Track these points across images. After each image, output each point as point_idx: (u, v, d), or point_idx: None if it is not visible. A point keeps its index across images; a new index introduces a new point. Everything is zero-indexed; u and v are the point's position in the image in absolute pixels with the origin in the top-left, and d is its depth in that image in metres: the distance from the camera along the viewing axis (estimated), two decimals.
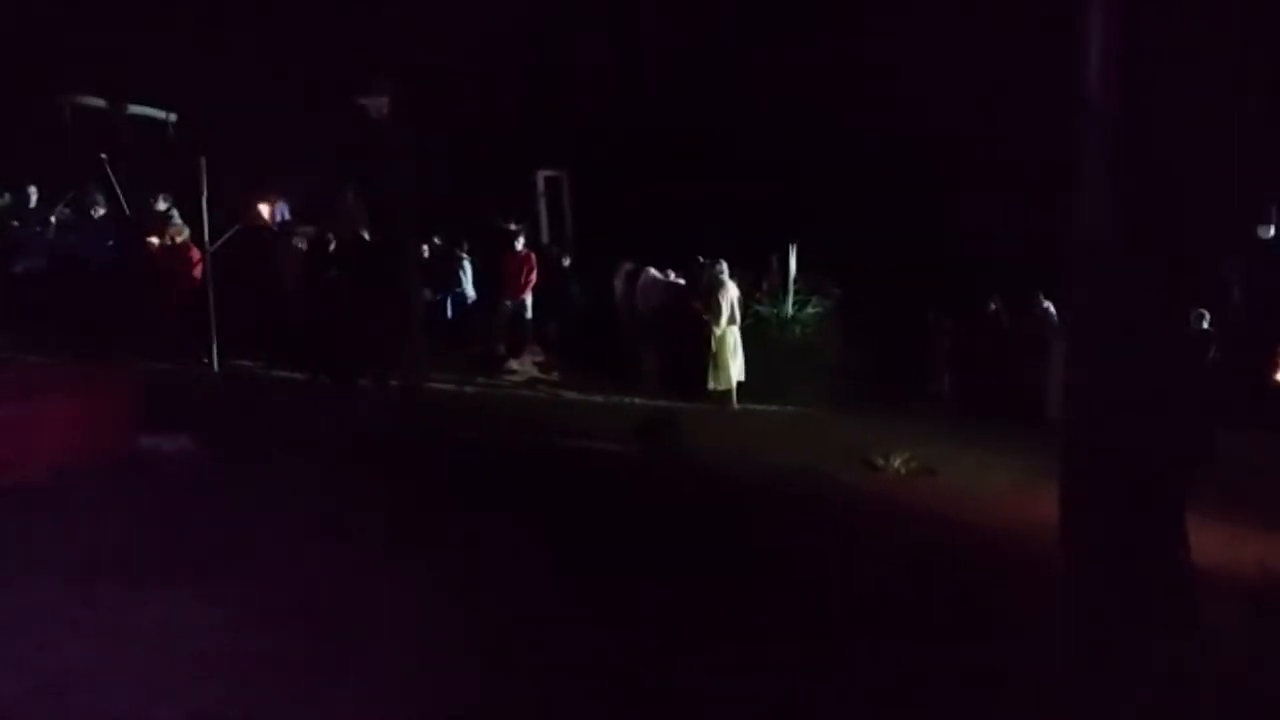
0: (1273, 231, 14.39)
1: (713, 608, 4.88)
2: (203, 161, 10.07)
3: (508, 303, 12.85)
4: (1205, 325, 12.86)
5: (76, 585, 4.57)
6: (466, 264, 12.87)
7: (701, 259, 12.27)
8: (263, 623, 4.36)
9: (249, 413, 8.25)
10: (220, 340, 10.28)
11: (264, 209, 10.83)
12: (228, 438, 7.04)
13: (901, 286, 14.03)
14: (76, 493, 5.71)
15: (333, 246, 10.54)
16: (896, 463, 8.65)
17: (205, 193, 10.30)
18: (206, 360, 10.43)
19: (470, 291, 12.96)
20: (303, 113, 12.08)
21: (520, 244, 12.98)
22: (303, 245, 11.33)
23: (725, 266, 11.70)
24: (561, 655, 4.31)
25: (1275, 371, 12.71)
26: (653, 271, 12.48)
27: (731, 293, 11.63)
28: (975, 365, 13.23)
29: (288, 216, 11.81)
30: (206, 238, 10.27)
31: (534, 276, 12.91)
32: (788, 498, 7.27)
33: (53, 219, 11.29)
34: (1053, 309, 13.31)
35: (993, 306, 13.82)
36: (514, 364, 12.41)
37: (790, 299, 13.01)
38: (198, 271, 10.43)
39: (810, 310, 13.09)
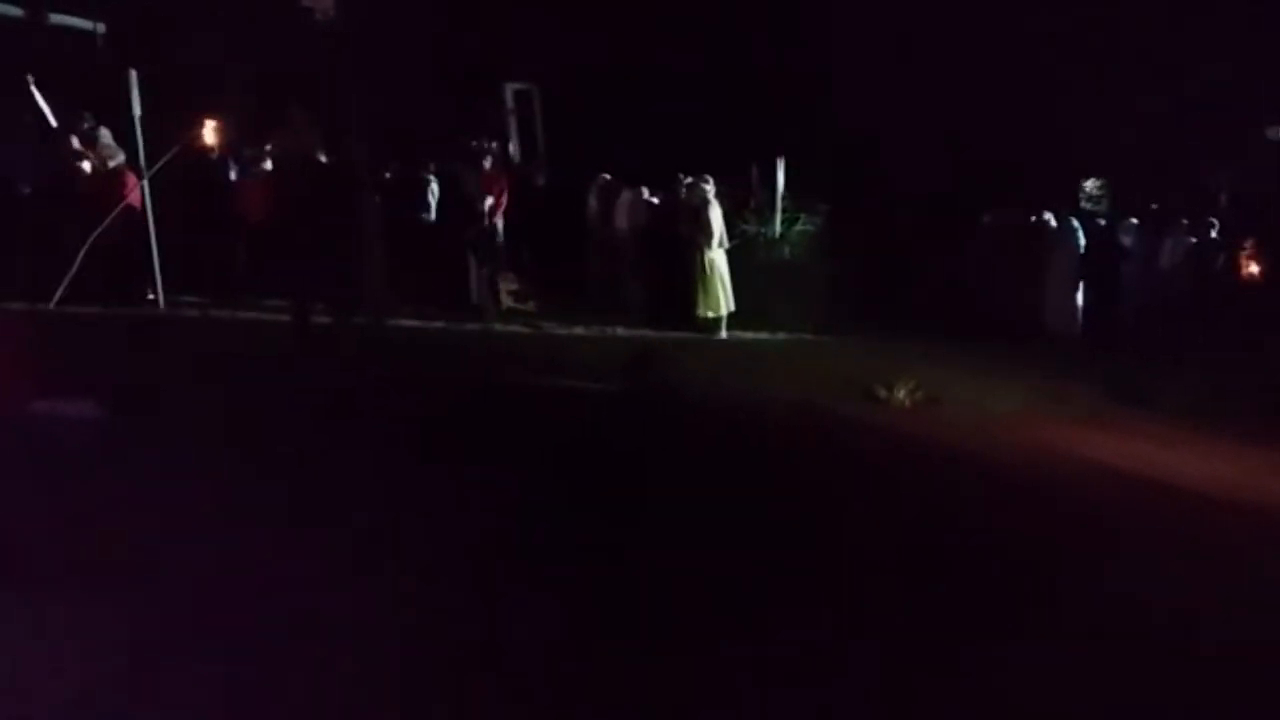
0: None
1: (719, 567, 4.28)
2: (132, 75, 9.10)
3: (478, 226, 12.03)
4: (1214, 234, 12.39)
5: None
6: (434, 186, 11.98)
7: (684, 176, 11.43)
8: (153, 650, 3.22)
9: (182, 363, 7.31)
10: (164, 277, 9.50)
11: (209, 130, 9.86)
12: (147, 398, 5.97)
13: (891, 201, 13.40)
14: None
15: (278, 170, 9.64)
16: (900, 393, 8.06)
17: (139, 112, 9.37)
18: (152, 298, 9.65)
19: (434, 216, 12.11)
20: (243, 20, 10.98)
21: (489, 163, 12.09)
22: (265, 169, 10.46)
23: (712, 184, 10.88)
24: (549, 620, 3.71)
25: (1241, 268, 12.32)
26: (630, 190, 11.66)
27: (719, 213, 10.86)
28: (969, 282, 12.64)
29: (234, 139, 10.82)
30: (143, 162, 9.35)
31: (505, 198, 12.08)
32: (792, 437, 6.66)
33: None
34: (1052, 220, 12.68)
35: (987, 219, 13.16)
36: (487, 292, 11.64)
37: (778, 217, 12.27)
38: (135, 199, 9.54)
39: (799, 229, 12.38)
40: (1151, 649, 3.74)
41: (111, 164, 9.82)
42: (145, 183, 9.41)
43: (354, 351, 7.99)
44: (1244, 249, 12.57)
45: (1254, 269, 12.47)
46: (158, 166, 9.36)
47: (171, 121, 9.91)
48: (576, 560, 4.26)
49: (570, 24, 14.97)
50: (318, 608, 3.62)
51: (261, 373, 6.98)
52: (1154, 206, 13.63)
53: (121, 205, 9.45)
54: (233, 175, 10.93)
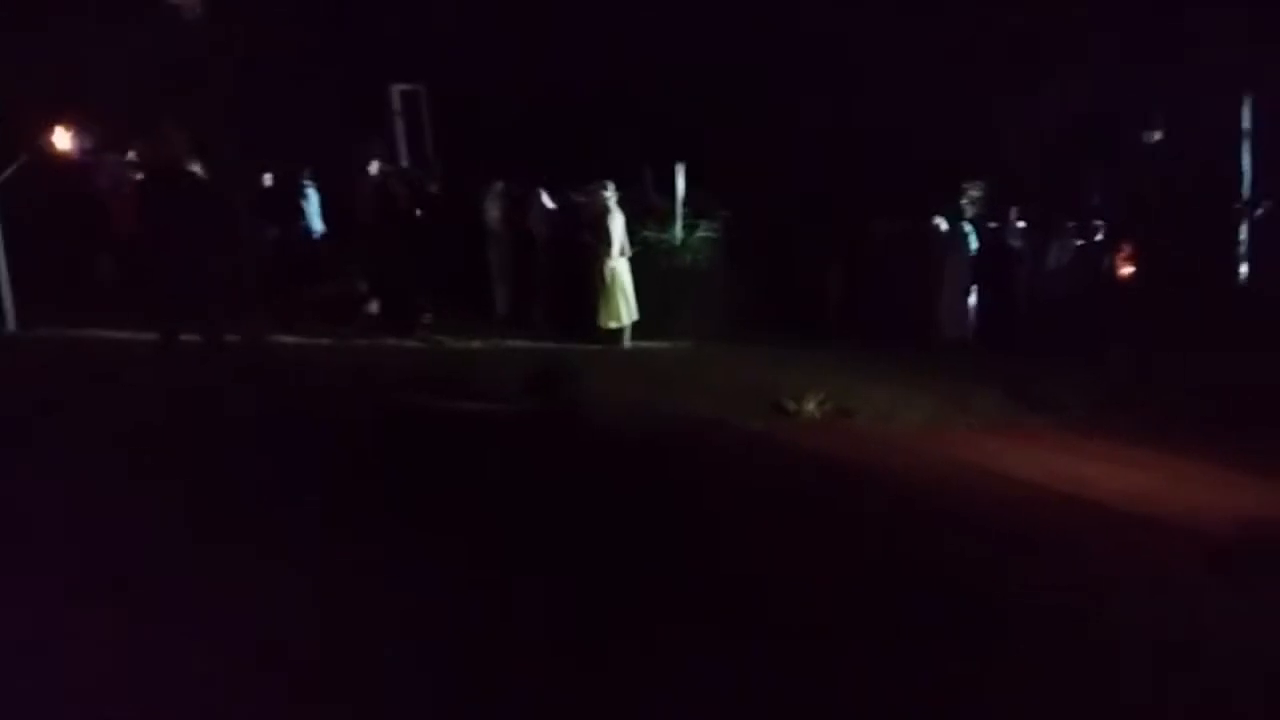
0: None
1: (627, 607, 3.96)
2: None
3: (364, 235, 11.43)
4: (1099, 237, 12.76)
5: None
6: (311, 194, 11.33)
7: (587, 182, 11.10)
8: None
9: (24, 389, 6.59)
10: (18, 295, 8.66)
11: (61, 135, 9.03)
12: None
13: (791, 208, 13.38)
14: None
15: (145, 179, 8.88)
16: (810, 405, 7.91)
17: None
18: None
19: (317, 225, 11.46)
20: (106, 16, 10.11)
21: (375, 168, 11.50)
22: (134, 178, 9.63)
23: (613, 190, 10.57)
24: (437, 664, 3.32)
25: (1119, 270, 12.78)
26: (530, 196, 11.26)
27: (620, 220, 10.56)
28: (866, 288, 12.70)
29: (91, 145, 9.97)
30: None
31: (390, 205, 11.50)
32: (703, 459, 6.39)
33: None
34: (944, 225, 12.85)
35: (879, 225, 13.24)
36: (375, 306, 11.06)
37: (678, 224, 12.06)
38: None
39: (699, 236, 12.20)
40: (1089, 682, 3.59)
41: None
42: None
43: (226, 376, 7.33)
44: (1122, 251, 13.01)
45: (1130, 270, 12.90)
46: (4, 176, 8.51)
47: (28, 126, 9.07)
48: (467, 604, 3.88)
49: (459, 23, 14.46)
50: None
51: (117, 400, 6.31)
52: (1041, 210, 13.96)
53: None
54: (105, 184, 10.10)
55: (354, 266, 11.38)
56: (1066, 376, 9.49)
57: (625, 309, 10.60)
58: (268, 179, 11.36)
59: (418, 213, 10.91)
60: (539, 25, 14.39)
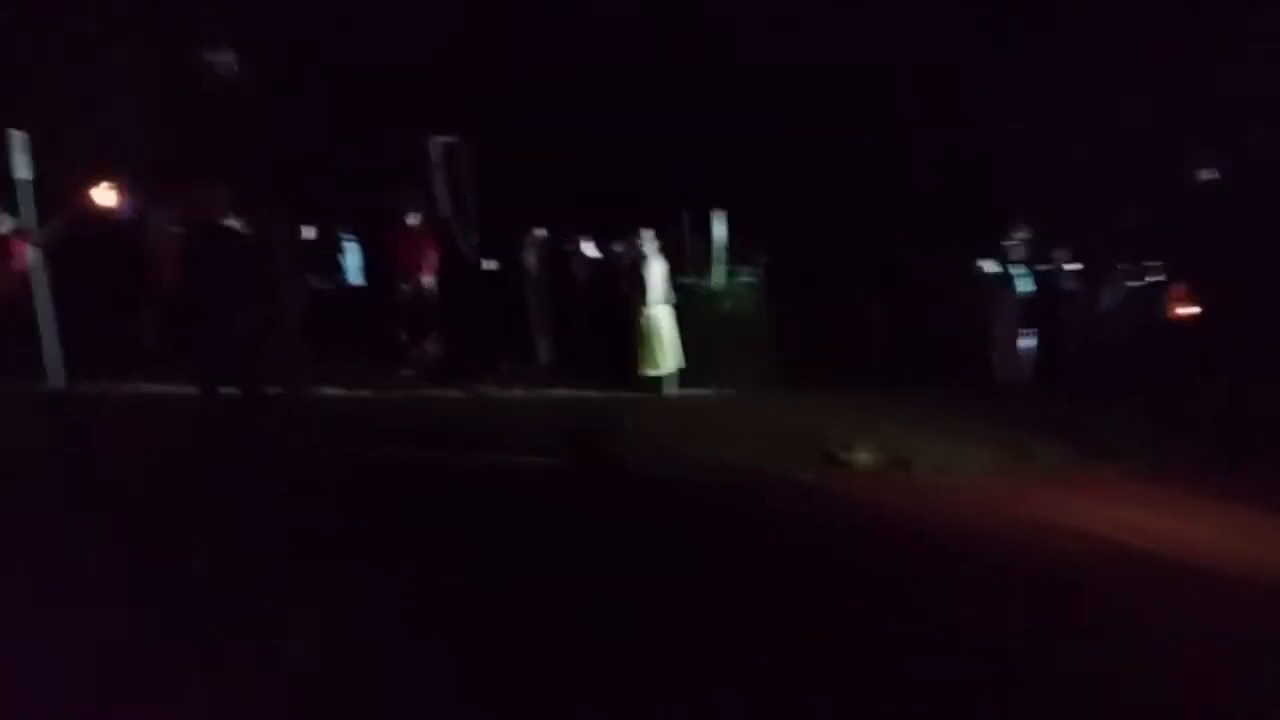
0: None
1: (682, 676, 3.70)
2: (16, 136, 8.33)
3: (404, 286, 11.41)
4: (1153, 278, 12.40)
5: None
6: (348, 246, 11.32)
7: (625, 230, 11.00)
8: None
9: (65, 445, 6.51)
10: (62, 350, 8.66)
11: (105, 192, 9.09)
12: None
13: (832, 252, 13.17)
14: None
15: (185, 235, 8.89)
16: (863, 455, 7.61)
17: (27, 175, 8.59)
18: (48, 373, 8.77)
19: (355, 279, 11.44)
20: (143, 74, 10.25)
21: (413, 219, 11.50)
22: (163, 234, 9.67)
23: (652, 237, 10.43)
24: None
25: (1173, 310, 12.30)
26: (571, 246, 11.17)
27: (660, 267, 10.40)
28: (915, 335, 12.40)
29: (135, 202, 10.03)
30: (32, 227, 8.57)
31: (432, 256, 11.48)
32: (754, 515, 6.11)
33: None
34: (993, 269, 12.55)
35: (929, 270, 12.96)
36: (416, 356, 10.98)
37: (718, 270, 11.88)
38: (23, 267, 8.71)
39: (739, 281, 12.00)
40: None
41: (1, 231, 8.99)
42: (37, 250, 8.60)
43: (267, 429, 7.22)
44: (1177, 290, 12.59)
45: (1185, 310, 12.45)
46: (49, 233, 8.57)
47: (70, 184, 9.16)
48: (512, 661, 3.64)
49: (498, 75, 14.55)
50: None
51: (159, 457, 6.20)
52: (1092, 251, 13.61)
53: (8, 275, 8.62)
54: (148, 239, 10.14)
55: (396, 319, 11.36)
56: (1128, 421, 9.11)
57: (665, 357, 10.40)
58: (308, 233, 11.36)
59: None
60: (575, 73, 14.43)
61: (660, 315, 10.42)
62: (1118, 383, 10.94)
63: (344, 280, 11.46)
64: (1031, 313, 12.08)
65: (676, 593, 4.59)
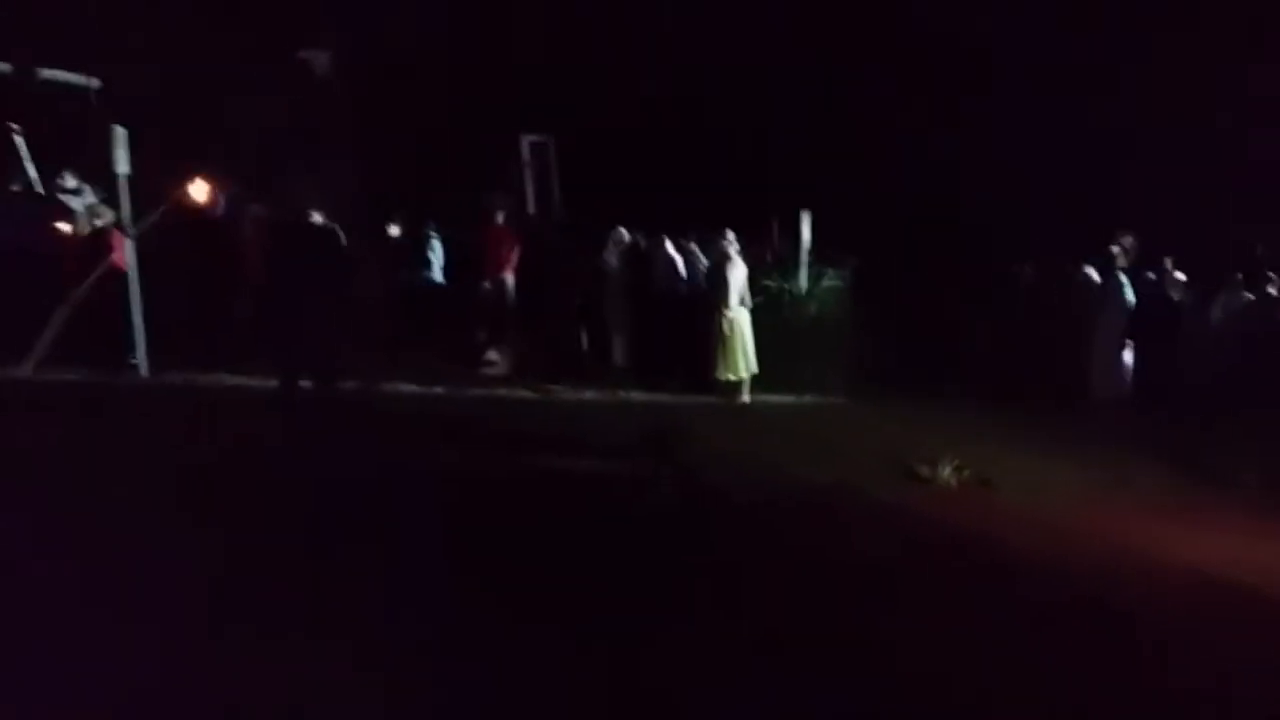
0: None
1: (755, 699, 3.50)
2: (118, 132, 8.60)
3: (486, 284, 11.44)
4: (1272, 290, 11.55)
5: None
6: (436, 244, 11.39)
7: (704, 231, 10.80)
8: None
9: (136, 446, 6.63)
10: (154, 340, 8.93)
11: (199, 187, 9.33)
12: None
13: (924, 255, 12.71)
14: None
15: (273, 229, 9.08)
16: (945, 472, 7.25)
17: (126, 170, 8.87)
18: (134, 363, 9.06)
19: (439, 276, 11.51)
20: (240, 75, 10.50)
21: (501, 217, 11.52)
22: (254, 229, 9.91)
23: (734, 239, 10.20)
24: None
25: None
26: (653, 245, 11.01)
27: (741, 270, 10.16)
28: (1009, 343, 11.84)
29: (231, 198, 10.28)
30: (127, 221, 8.84)
31: (515, 254, 11.49)
32: (830, 531, 5.86)
33: None
34: (1095, 276, 11.90)
35: (1025, 275, 12.38)
36: (493, 355, 10.99)
37: (804, 273, 11.57)
38: (119, 260, 8.99)
39: (825, 285, 11.66)
40: None
41: (99, 224, 9.30)
42: (129, 243, 8.87)
43: (339, 427, 7.27)
44: None
45: None
46: (143, 226, 8.83)
47: (165, 179, 9.42)
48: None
49: (588, 75, 14.51)
50: None
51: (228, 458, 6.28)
52: (1203, 260, 12.80)
53: (104, 267, 8.91)
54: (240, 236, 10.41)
55: (476, 317, 11.41)
56: (1238, 446, 8.48)
57: (744, 362, 10.15)
58: (394, 229, 11.48)
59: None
60: (667, 74, 14.28)
61: (741, 319, 10.18)
62: (1231, 405, 10.25)
63: (429, 277, 11.54)
64: (1137, 325, 11.37)
65: (735, 621, 4.39)
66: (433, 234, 11.67)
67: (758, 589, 4.85)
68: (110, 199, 9.33)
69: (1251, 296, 11.57)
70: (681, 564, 5.07)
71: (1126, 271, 12.13)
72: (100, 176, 9.60)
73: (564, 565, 4.89)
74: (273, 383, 8.40)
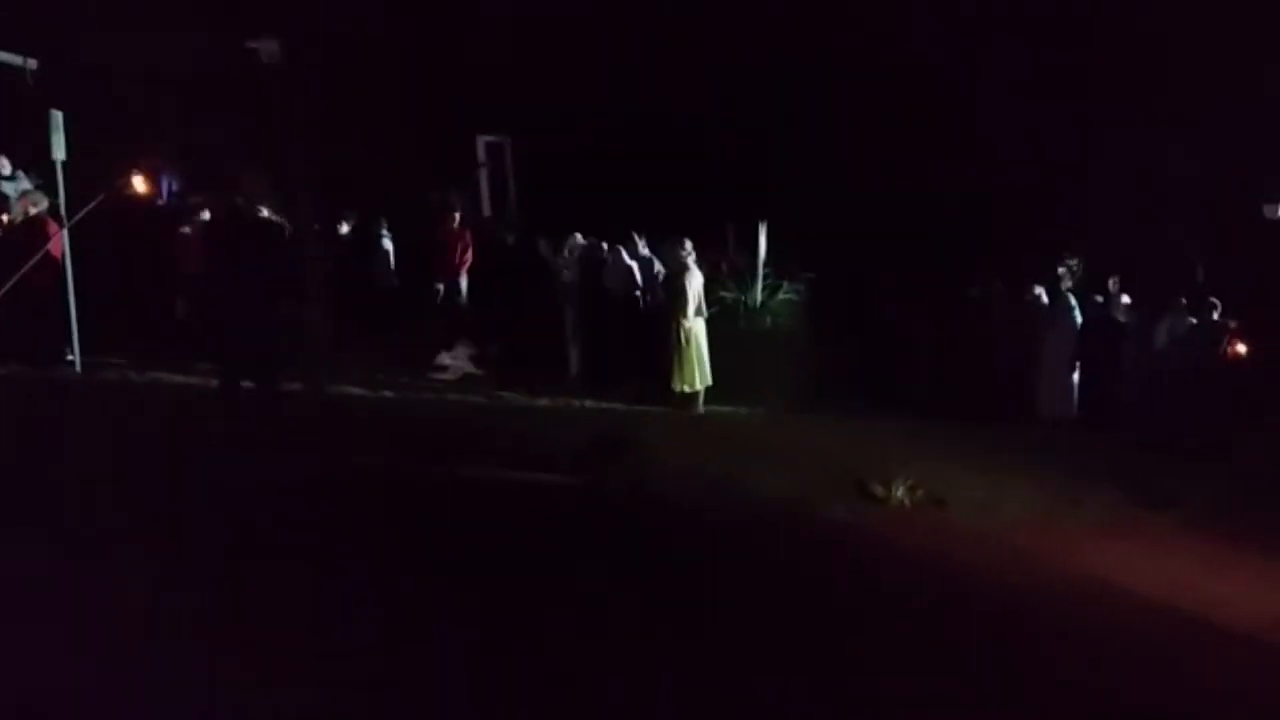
0: None
1: None
2: (55, 116, 8.24)
3: (439, 285, 11.22)
4: (1215, 315, 11.76)
5: None
6: (387, 243, 11.14)
7: (660, 239, 10.69)
8: None
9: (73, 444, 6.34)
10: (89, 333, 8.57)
11: (138, 177, 8.98)
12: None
13: (877, 270, 12.75)
14: None
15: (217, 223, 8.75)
16: (899, 491, 7.22)
17: (62, 156, 8.50)
18: (70, 358, 8.69)
19: (390, 276, 11.27)
20: (184, 61, 10.15)
21: (456, 218, 11.30)
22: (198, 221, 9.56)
23: (691, 247, 10.09)
24: None
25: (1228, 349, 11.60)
26: (609, 252, 10.87)
27: (698, 279, 10.07)
28: (958, 360, 11.92)
29: (175, 188, 9.95)
30: (63, 210, 8.47)
31: (469, 255, 11.29)
32: (782, 552, 5.76)
33: None
34: (1044, 295, 12.04)
35: (975, 293, 12.46)
36: (446, 358, 10.76)
37: (759, 285, 11.52)
38: (55, 249, 8.61)
39: (781, 298, 11.63)
40: None
41: (33, 211, 8.90)
42: (66, 232, 8.50)
43: (282, 429, 7.01)
44: (1238, 329, 11.93)
45: (1239, 349, 11.76)
46: (80, 215, 8.45)
47: (103, 166, 9.05)
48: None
49: (546, 76, 14.34)
50: None
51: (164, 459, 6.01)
52: (1148, 283, 13.03)
53: (38, 256, 8.50)
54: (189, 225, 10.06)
55: (428, 319, 11.17)
56: (1185, 467, 8.61)
57: (699, 373, 10.05)
58: (345, 227, 11.22)
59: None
60: (625, 78, 14.17)
61: (698, 329, 10.08)
62: (1174, 426, 10.42)
63: (379, 277, 11.29)
64: (1084, 346, 11.51)
65: (680, 644, 4.25)
66: (384, 233, 11.42)
67: (707, 611, 4.72)
68: (47, 186, 8.96)
69: (1194, 320, 11.79)
70: (624, 582, 4.91)
71: (1073, 292, 12.30)
72: (36, 162, 9.23)
73: (496, 581, 4.71)
74: (213, 382, 8.11)
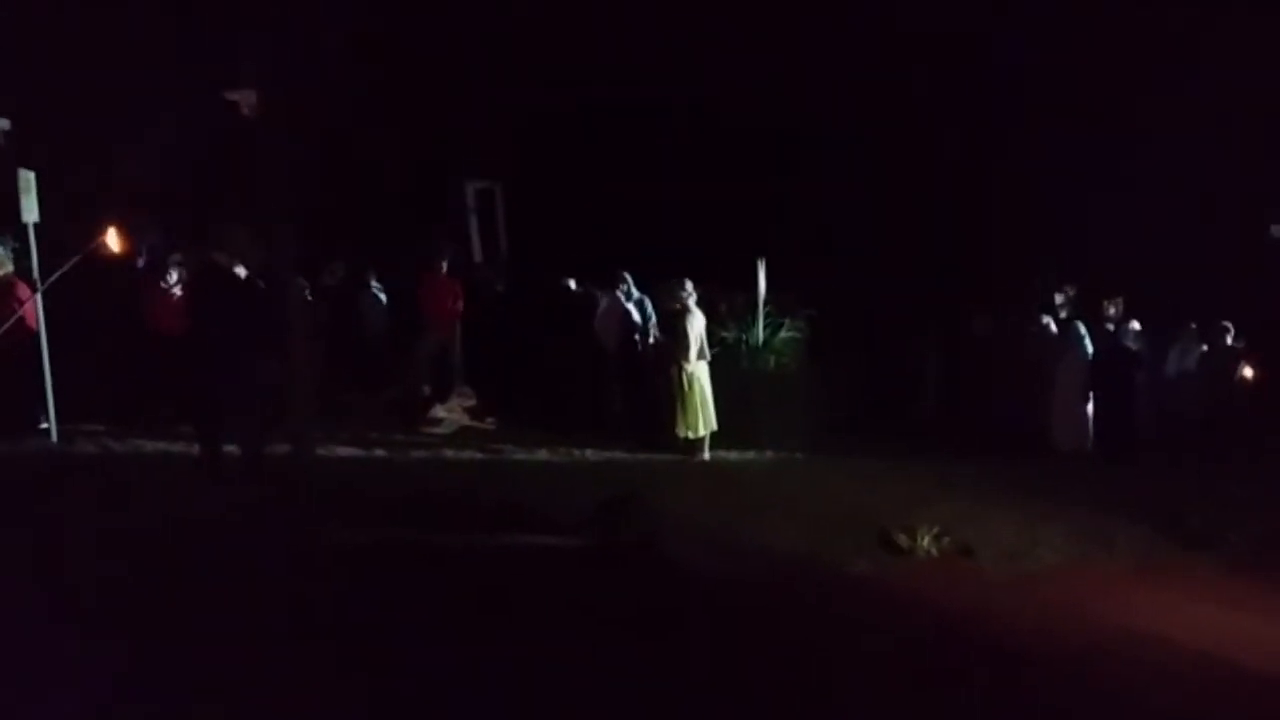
0: None
1: None
2: (26, 177, 7.93)
3: (430, 336, 10.88)
4: (1228, 340, 11.46)
5: None
6: (377, 293, 10.81)
7: (660, 281, 10.37)
8: None
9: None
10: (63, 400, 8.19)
11: (113, 236, 8.65)
12: None
13: (880, 306, 12.48)
14: None
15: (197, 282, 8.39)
16: (925, 541, 6.80)
17: (34, 218, 8.18)
18: (45, 426, 8.30)
19: (380, 328, 10.92)
20: (163, 116, 9.87)
21: (445, 266, 10.98)
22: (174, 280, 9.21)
23: (691, 288, 9.76)
24: None
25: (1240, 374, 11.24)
26: (619, 296, 10.56)
27: (700, 321, 9.72)
28: (967, 394, 11.59)
29: (153, 245, 9.60)
30: (36, 274, 8.13)
31: (461, 305, 10.95)
32: (806, 612, 5.36)
33: None
34: (1053, 326, 11.72)
35: (980, 325, 12.14)
36: (440, 411, 10.36)
37: (760, 323, 11.19)
38: (28, 314, 8.25)
39: (783, 336, 11.29)
40: None
41: (2, 275, 8.56)
42: (39, 297, 8.15)
43: (266, 499, 6.62)
44: (1253, 356, 11.60)
45: (1249, 374, 11.43)
46: (54, 278, 8.10)
47: (79, 227, 8.71)
48: None
49: (535, 121, 14.15)
50: None
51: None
52: (1157, 310, 12.73)
53: (10, 321, 8.14)
54: (165, 284, 9.70)
55: (420, 370, 10.83)
56: (1214, 501, 8.22)
57: (704, 418, 9.66)
58: (331, 278, 10.89)
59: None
60: (612, 121, 13.98)
61: (700, 372, 9.71)
62: (1193, 456, 10.08)
63: (368, 327, 10.94)
64: (1096, 376, 11.17)
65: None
66: (373, 283, 11.10)
67: (733, 678, 4.32)
68: (20, 249, 8.61)
69: (1206, 346, 11.49)
70: (641, 655, 4.52)
71: (1083, 321, 11.97)
72: (8, 224, 8.88)
73: (500, 662, 4.33)
74: (195, 449, 7.73)
